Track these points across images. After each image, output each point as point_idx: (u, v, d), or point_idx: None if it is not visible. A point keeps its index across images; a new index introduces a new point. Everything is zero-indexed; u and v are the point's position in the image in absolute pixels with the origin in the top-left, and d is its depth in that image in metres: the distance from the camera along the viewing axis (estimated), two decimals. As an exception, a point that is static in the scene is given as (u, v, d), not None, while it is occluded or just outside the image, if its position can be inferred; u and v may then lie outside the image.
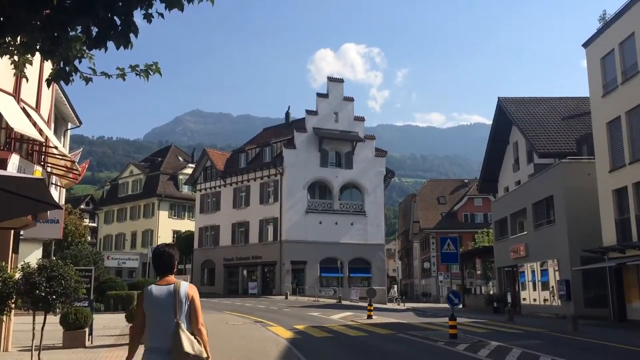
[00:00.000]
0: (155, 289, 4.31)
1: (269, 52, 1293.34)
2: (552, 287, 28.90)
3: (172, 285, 4.31)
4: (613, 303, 24.45)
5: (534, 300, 31.30)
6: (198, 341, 4.23)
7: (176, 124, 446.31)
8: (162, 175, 65.63)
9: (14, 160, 10.71)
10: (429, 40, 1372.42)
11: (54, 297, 7.28)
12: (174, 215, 65.07)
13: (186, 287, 4.34)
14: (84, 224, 52.77)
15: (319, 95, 51.34)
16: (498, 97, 38.74)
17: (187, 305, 4.29)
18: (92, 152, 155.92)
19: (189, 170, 64.89)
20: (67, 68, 4.73)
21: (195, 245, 56.64)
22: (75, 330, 13.68)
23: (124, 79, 5.12)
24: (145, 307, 4.26)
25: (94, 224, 77.42)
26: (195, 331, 4.27)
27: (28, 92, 12.87)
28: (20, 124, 10.70)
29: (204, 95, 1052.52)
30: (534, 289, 31.50)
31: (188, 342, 4.15)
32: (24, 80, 11.76)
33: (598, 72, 25.86)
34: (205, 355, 4.22)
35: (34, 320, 7.40)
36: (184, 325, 4.21)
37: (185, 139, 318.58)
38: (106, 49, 4.62)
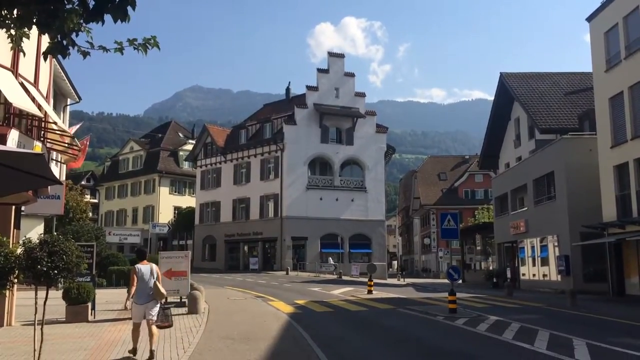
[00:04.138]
0: (141, 266, 9.30)
1: (268, 26, 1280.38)
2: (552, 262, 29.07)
3: (149, 264, 9.41)
4: (612, 278, 24.60)
5: (533, 275, 31.50)
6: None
7: (176, 100, 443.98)
8: (163, 152, 65.57)
9: (13, 136, 10.67)
10: (431, 13, 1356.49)
11: (56, 272, 7.27)
12: (175, 192, 65.20)
13: (155, 266, 9.49)
14: (85, 200, 52.92)
15: (320, 70, 50.97)
16: (500, 73, 38.47)
17: (156, 274, 9.32)
18: (92, 128, 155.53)
19: (189, 147, 64.80)
20: (64, 41, 4.68)
21: (196, 221, 56.87)
22: (78, 305, 13.82)
23: (122, 53, 5.08)
24: (137, 273, 9.13)
25: (95, 200, 77.65)
26: (159, 285, 9.23)
27: (26, 67, 12.76)
28: (18, 99, 10.63)
29: (204, 71, 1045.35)
30: (534, 265, 31.68)
31: (160, 289, 9.19)
32: (21, 54, 11.65)
33: (601, 47, 25.59)
34: (165, 295, 9.56)
35: (36, 295, 7.44)
36: (156, 282, 9.20)
37: (185, 114, 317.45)
38: (103, 22, 4.56)
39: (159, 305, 9.32)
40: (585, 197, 25.93)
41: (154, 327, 9.09)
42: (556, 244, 28.42)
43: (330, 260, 45.34)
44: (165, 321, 9.76)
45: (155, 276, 9.23)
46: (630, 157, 22.79)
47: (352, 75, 51.74)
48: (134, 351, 9.25)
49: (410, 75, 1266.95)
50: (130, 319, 13.91)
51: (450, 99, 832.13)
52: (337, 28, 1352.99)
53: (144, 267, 9.24)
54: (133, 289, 9.09)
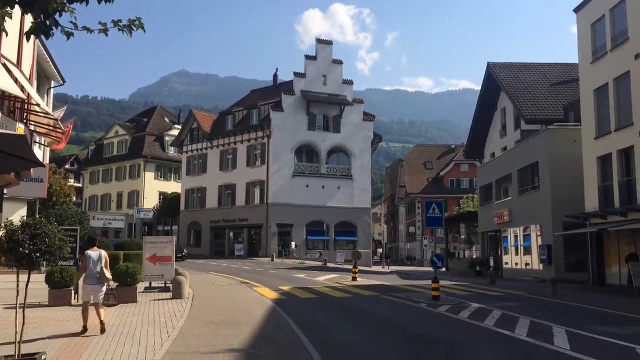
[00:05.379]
0: (91, 252, 10.25)
1: (256, 12, 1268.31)
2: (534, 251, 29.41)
3: (99, 251, 10.34)
4: (593, 268, 24.96)
5: (516, 264, 31.87)
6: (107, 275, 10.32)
7: (162, 85, 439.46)
8: (148, 137, 65.01)
9: (-5, 118, 10.52)
10: (421, 2, 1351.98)
11: (38, 255, 7.23)
12: (160, 177, 64.79)
13: (104, 253, 10.40)
14: (69, 184, 52.44)
15: (308, 57, 50.73)
16: (487, 63, 38.52)
17: (104, 260, 10.22)
18: (77, 111, 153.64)
19: (175, 132, 64.28)
20: (48, 22, 4.61)
21: (181, 207, 56.67)
22: (61, 289, 13.75)
23: (107, 35, 5.01)
24: (87, 259, 10.16)
25: (79, 185, 76.94)
26: (106, 270, 10.19)
27: (9, 48, 12.56)
28: (0, 80, 10.47)
29: (191, 56, 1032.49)
30: (517, 254, 32.04)
31: (106, 273, 10.16)
32: (4, 35, 11.45)
33: (588, 38, 25.73)
34: (111, 278, 11.04)
35: (18, 278, 7.38)
36: (103, 267, 10.11)
37: (171, 99, 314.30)
38: (87, 2, 4.50)
39: (105, 287, 10.50)
40: (569, 188, 26.21)
41: (100, 306, 10.26)
42: (539, 233, 28.75)
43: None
44: (112, 301, 12.21)
45: (103, 262, 10.21)
46: (614, 148, 23.04)
47: (340, 62, 51.60)
48: (84, 329, 10.02)
49: (398, 64, 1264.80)
50: (114, 304, 13.98)
51: (438, 88, 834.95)
52: (326, 15, 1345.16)
53: (94, 253, 10.27)
54: (82, 273, 10.30)
